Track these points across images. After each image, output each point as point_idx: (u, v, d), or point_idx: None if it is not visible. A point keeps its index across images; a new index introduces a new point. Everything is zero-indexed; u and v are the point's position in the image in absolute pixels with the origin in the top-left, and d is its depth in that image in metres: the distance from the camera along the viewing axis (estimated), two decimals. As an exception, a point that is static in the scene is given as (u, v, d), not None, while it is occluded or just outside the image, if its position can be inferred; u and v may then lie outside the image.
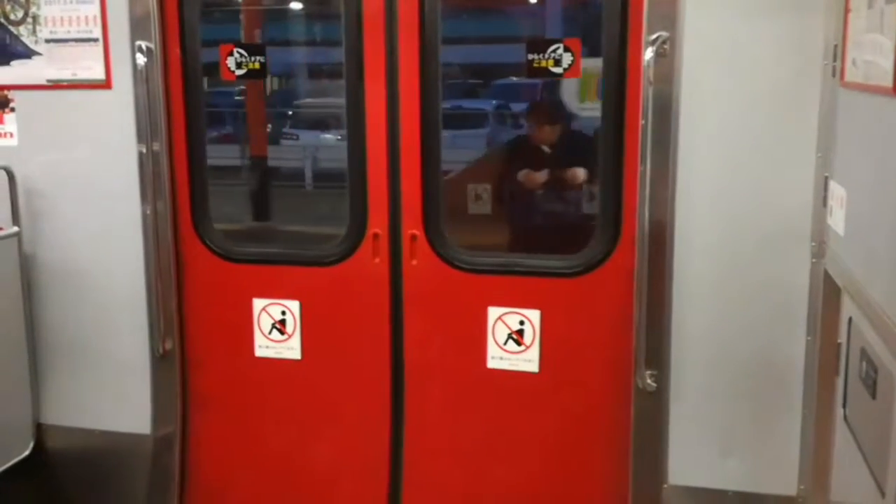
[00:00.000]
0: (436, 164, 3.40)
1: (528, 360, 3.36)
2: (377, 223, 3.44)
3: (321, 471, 3.65)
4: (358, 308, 3.52)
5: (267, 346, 3.60)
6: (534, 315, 3.33)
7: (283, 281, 3.58)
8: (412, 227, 3.40)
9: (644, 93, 2.96)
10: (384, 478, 3.58)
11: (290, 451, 3.67)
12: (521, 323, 3.34)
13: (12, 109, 3.65)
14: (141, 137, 3.47)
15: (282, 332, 3.58)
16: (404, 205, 3.39)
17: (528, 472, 3.45)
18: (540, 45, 3.23)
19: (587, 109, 7.52)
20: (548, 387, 3.38)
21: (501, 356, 3.38)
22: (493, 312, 3.36)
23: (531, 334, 3.34)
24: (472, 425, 3.49)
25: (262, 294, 3.58)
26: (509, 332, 3.36)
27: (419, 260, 3.41)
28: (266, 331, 3.59)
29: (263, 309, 3.58)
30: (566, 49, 3.21)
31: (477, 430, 3.49)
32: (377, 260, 3.45)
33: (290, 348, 3.58)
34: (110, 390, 3.70)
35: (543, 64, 3.23)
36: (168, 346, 3.58)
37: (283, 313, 3.56)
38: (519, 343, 3.36)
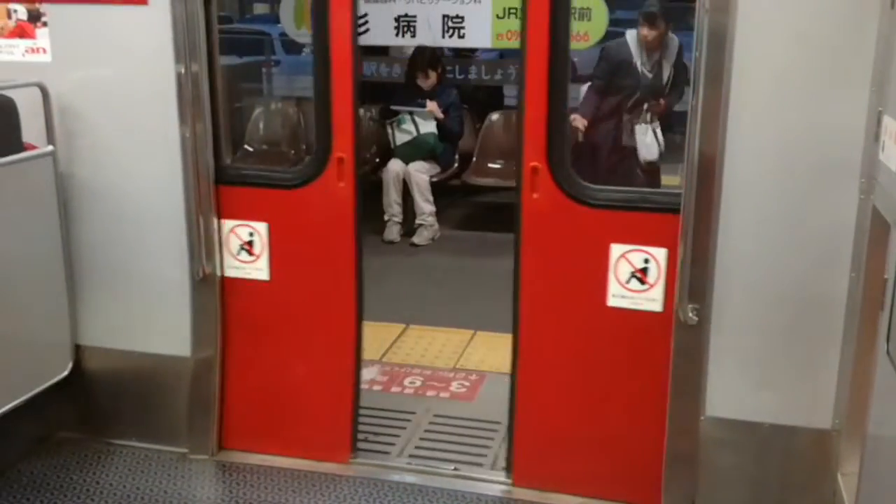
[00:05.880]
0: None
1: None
2: (342, 147, 3.45)
3: (291, 391, 3.74)
4: (324, 230, 3.57)
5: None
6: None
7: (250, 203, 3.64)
8: None
9: (699, 22, 2.90)
10: (348, 400, 3.68)
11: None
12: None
13: (45, 24, 3.55)
14: (179, 57, 3.40)
15: (250, 254, 3.67)
16: None
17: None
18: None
19: (302, 36, 7.33)
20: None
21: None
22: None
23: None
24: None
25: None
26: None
27: None
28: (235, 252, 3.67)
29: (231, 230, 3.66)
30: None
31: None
32: (342, 183, 3.47)
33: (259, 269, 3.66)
34: (149, 312, 3.71)
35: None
36: (208, 269, 3.58)
37: (251, 234, 3.64)
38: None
